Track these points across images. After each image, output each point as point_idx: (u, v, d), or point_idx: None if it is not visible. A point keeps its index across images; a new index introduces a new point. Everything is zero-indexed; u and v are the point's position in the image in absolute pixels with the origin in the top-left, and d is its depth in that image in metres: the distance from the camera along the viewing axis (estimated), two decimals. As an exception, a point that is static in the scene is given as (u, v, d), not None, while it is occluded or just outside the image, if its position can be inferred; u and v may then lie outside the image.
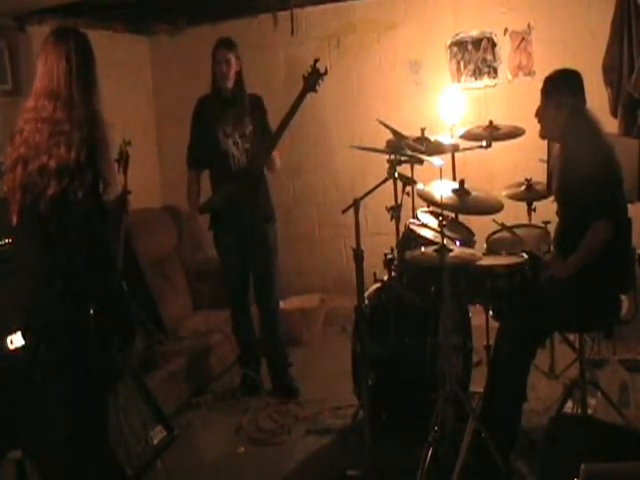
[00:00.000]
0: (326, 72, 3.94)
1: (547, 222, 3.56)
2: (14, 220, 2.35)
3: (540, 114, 3.14)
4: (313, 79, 3.93)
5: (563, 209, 3.15)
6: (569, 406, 3.34)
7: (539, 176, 3.79)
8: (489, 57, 5.00)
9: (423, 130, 3.86)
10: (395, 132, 3.70)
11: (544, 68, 4.69)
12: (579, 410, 3.28)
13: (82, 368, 2.32)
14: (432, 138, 3.90)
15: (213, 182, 4.19)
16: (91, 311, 2.25)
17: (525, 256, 3.28)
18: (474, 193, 3.18)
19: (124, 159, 2.85)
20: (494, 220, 3.38)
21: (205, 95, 4.16)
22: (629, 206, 3.19)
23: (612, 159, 3.01)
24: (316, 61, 3.97)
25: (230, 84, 4.04)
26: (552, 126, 3.12)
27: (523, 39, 4.90)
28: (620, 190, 3.05)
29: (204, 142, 4.10)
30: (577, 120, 3.05)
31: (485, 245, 3.60)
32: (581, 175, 2.93)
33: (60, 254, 2.25)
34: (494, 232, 3.70)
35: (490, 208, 3.21)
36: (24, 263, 2.35)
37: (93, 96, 2.32)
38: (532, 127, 3.80)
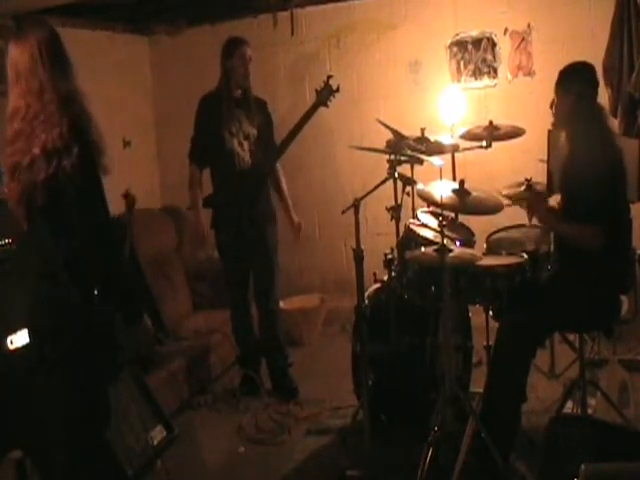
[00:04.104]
0: (338, 89, 4.00)
1: (547, 222, 3.56)
2: (24, 225, 2.36)
3: (553, 104, 3.15)
4: (325, 94, 4.00)
5: (564, 199, 3.15)
6: (569, 406, 3.34)
7: (539, 176, 3.79)
8: (489, 57, 5.00)
9: (423, 130, 3.86)
10: (395, 132, 3.70)
11: (544, 68, 4.72)
12: (579, 410, 3.28)
13: (85, 368, 2.33)
14: (432, 138, 3.89)
15: (215, 180, 4.19)
16: (95, 292, 2.26)
17: (525, 256, 3.28)
18: (474, 193, 3.19)
19: (131, 202, 2.86)
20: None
21: (210, 93, 4.14)
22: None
23: (618, 161, 3.01)
24: (329, 77, 4.03)
25: (248, 83, 4.06)
26: (559, 112, 3.12)
27: (523, 39, 4.90)
28: (623, 192, 3.05)
29: (209, 140, 4.10)
30: (584, 108, 3.04)
31: (485, 245, 3.60)
32: (586, 174, 2.92)
33: (62, 242, 2.26)
34: (494, 232, 3.71)
35: (490, 208, 3.22)
36: (29, 263, 2.36)
37: (64, 75, 2.31)
38: (532, 127, 3.83)
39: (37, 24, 2.36)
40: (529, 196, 3.26)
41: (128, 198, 2.80)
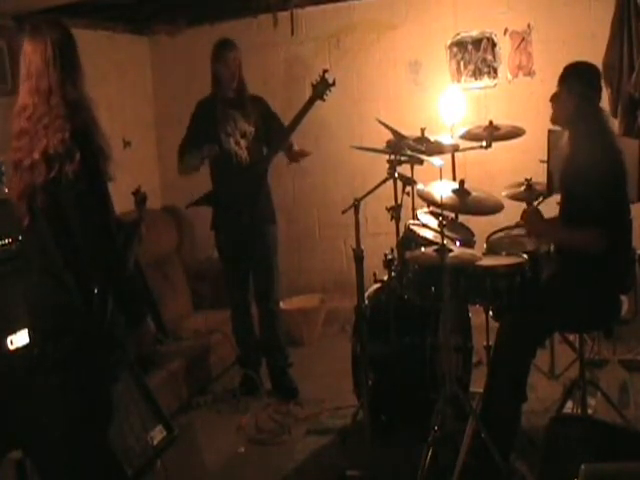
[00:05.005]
0: (334, 83, 4.00)
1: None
2: (24, 222, 2.36)
3: (555, 99, 3.15)
4: (322, 88, 3.99)
5: (564, 198, 3.15)
6: (569, 406, 3.34)
7: (539, 176, 3.79)
8: (489, 57, 5.00)
9: (423, 130, 3.86)
10: (395, 132, 3.70)
11: (544, 68, 4.72)
12: (579, 410, 3.28)
13: (87, 368, 2.33)
14: (432, 138, 3.89)
15: (214, 179, 4.20)
16: (95, 291, 2.26)
17: (525, 256, 3.28)
18: (474, 193, 3.19)
19: (141, 198, 2.80)
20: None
21: (205, 98, 4.18)
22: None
23: (620, 162, 3.01)
24: (325, 71, 4.03)
25: (235, 85, 4.06)
26: (561, 111, 3.12)
27: (523, 39, 4.90)
28: (623, 192, 3.05)
29: (205, 143, 4.10)
30: (586, 109, 3.04)
31: (485, 245, 3.60)
32: (587, 175, 2.92)
33: (62, 242, 2.26)
34: (494, 232, 3.71)
35: (490, 208, 3.22)
36: (30, 262, 2.36)
37: (73, 81, 2.32)
38: (532, 127, 3.83)
39: (54, 25, 2.36)
40: (523, 218, 3.25)
41: (137, 195, 2.76)
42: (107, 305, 2.31)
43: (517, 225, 3.54)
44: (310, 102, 4.01)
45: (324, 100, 4.02)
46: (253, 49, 5.09)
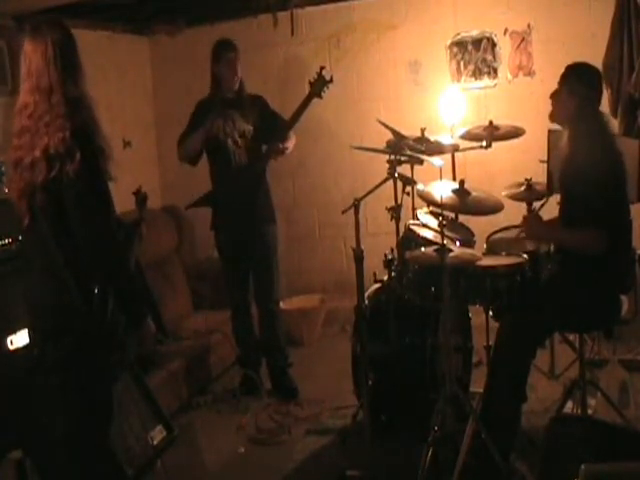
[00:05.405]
0: (331, 80, 4.00)
1: (547, 222, 3.56)
2: (25, 222, 2.36)
3: (555, 97, 3.15)
4: (319, 85, 3.99)
5: (564, 199, 3.15)
6: (569, 406, 3.34)
7: (539, 176, 3.79)
8: (489, 57, 4.99)
9: (423, 130, 3.86)
10: (395, 132, 3.70)
11: (544, 68, 4.72)
12: (579, 410, 3.28)
13: (87, 367, 2.33)
14: (432, 138, 3.89)
15: (214, 180, 4.20)
16: (95, 291, 2.26)
17: (525, 256, 3.28)
18: (474, 193, 3.19)
19: (141, 198, 2.81)
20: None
21: (204, 98, 4.19)
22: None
23: (619, 162, 3.01)
24: (322, 68, 4.04)
25: (236, 86, 4.07)
26: (561, 110, 3.11)
27: (523, 39, 4.90)
28: (623, 193, 3.05)
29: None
30: (586, 110, 3.04)
31: (485, 245, 3.60)
32: (587, 175, 2.92)
33: (63, 242, 2.26)
34: (494, 232, 3.71)
35: (490, 208, 3.22)
36: (31, 262, 2.37)
37: (74, 80, 2.33)
38: (532, 127, 3.83)
39: (54, 25, 2.36)
40: (523, 223, 3.25)
41: (138, 195, 2.76)
42: (107, 305, 2.31)
43: (518, 226, 3.54)
44: (307, 99, 4.00)
45: (321, 97, 4.01)
46: (253, 49, 5.09)
